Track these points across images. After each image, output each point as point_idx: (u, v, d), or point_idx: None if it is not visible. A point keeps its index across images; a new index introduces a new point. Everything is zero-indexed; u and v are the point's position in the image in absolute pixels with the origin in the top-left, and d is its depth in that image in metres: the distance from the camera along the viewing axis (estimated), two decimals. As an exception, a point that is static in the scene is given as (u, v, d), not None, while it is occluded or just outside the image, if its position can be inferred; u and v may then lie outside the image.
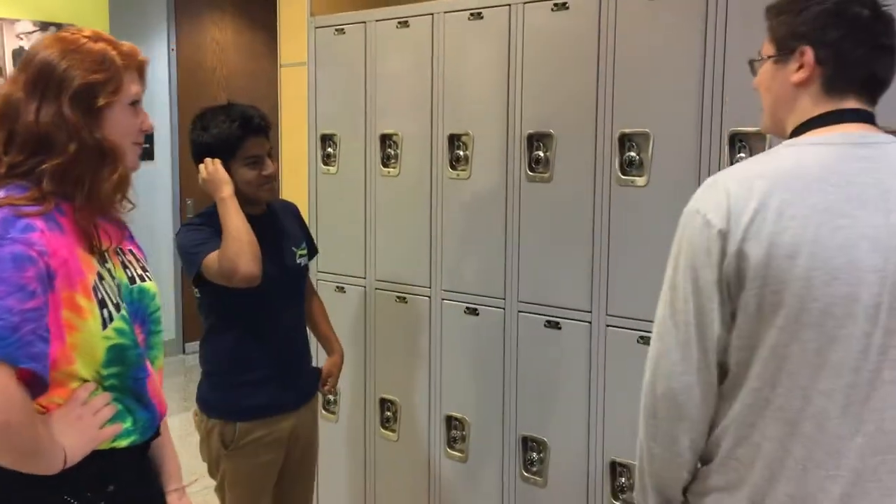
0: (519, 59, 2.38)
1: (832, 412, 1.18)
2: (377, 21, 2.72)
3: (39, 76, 1.34)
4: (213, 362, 2.29)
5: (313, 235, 2.59)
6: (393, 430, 2.81)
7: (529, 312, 2.42)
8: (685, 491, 1.35)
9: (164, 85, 5.86)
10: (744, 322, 1.22)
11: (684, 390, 1.25)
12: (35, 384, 1.26)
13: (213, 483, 2.41)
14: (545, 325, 2.38)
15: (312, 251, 2.48)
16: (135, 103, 1.44)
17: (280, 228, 2.33)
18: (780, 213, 1.18)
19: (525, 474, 2.47)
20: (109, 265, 1.41)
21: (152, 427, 1.48)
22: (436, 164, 2.60)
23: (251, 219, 2.12)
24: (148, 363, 1.47)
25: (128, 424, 1.42)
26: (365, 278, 2.83)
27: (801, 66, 1.27)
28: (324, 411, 3.00)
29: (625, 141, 2.19)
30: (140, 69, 1.46)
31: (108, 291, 1.37)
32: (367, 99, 2.77)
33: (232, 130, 2.15)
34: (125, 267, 1.45)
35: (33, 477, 1.30)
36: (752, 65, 1.38)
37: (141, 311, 1.46)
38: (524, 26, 2.36)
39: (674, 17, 2.10)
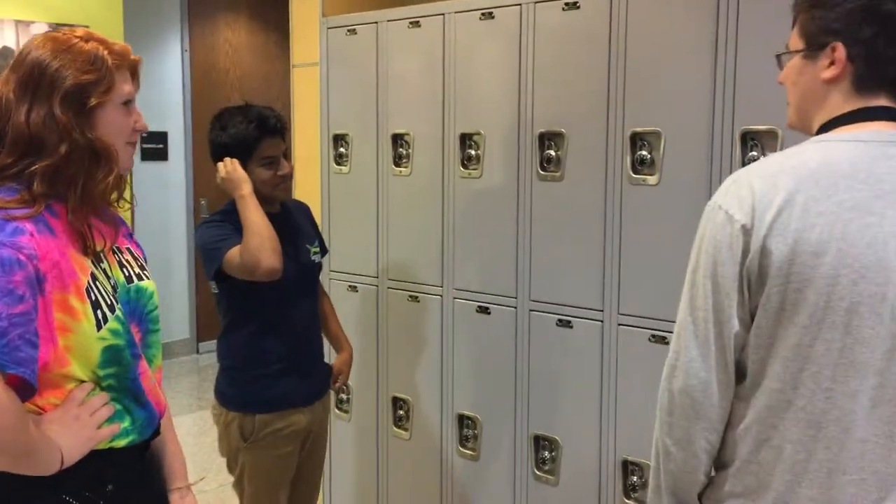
0: (530, 59, 2.38)
1: (857, 414, 1.16)
2: (389, 21, 2.73)
3: (30, 76, 1.33)
4: (231, 357, 2.34)
5: (326, 235, 2.63)
6: (405, 429, 2.82)
7: (541, 311, 2.42)
8: (700, 497, 1.32)
9: (177, 86, 5.90)
10: (764, 320, 1.20)
11: (702, 388, 1.23)
12: (23, 388, 1.25)
13: (228, 480, 2.43)
14: (557, 324, 2.38)
15: (323, 251, 2.52)
16: (127, 103, 1.42)
17: (295, 226, 2.39)
18: (806, 209, 1.16)
19: (537, 473, 2.47)
20: (105, 265, 1.40)
21: (151, 426, 1.47)
22: (447, 163, 2.61)
23: (268, 217, 2.17)
24: (145, 362, 1.46)
25: (126, 424, 1.41)
26: (377, 277, 2.85)
27: (832, 63, 1.23)
28: (336, 410, 3.02)
29: (636, 140, 2.19)
30: (132, 68, 1.45)
31: (103, 292, 1.35)
32: (378, 99, 2.78)
33: (249, 131, 2.20)
34: (122, 266, 1.44)
35: (32, 477, 1.30)
36: (779, 59, 1.34)
37: (138, 311, 1.45)
38: (535, 26, 2.36)
39: (685, 16, 2.10)
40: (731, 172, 1.49)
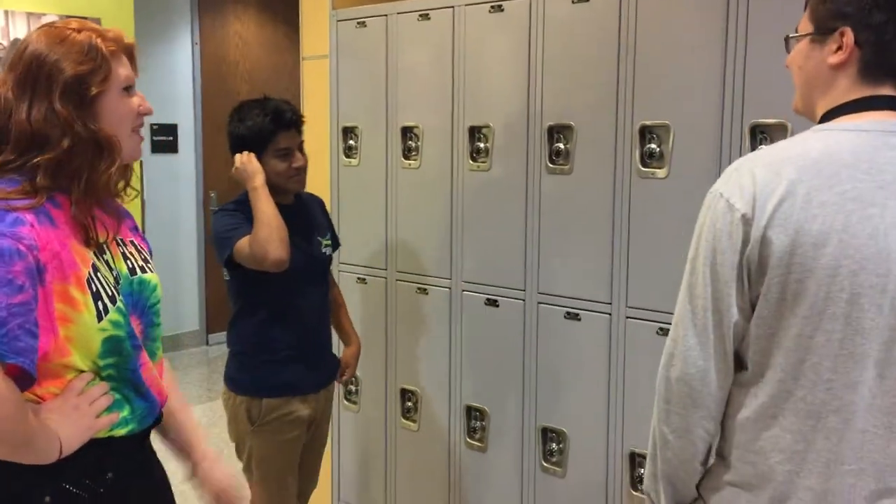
0: (539, 52, 2.38)
1: (857, 405, 1.16)
2: (398, 14, 2.73)
3: (28, 73, 1.34)
4: (240, 343, 2.40)
5: (335, 227, 2.65)
6: (413, 420, 2.83)
7: (549, 304, 2.43)
8: (698, 486, 1.32)
9: (187, 79, 5.92)
10: (765, 310, 1.19)
11: (700, 377, 1.23)
12: (23, 378, 1.25)
13: (238, 470, 2.46)
14: (565, 317, 2.39)
15: (335, 244, 2.56)
16: (128, 88, 1.42)
17: (307, 219, 2.43)
18: (808, 199, 1.15)
19: (544, 464, 2.48)
20: (108, 256, 1.40)
21: (151, 416, 1.48)
22: (456, 156, 2.61)
23: (281, 208, 2.24)
24: (146, 354, 1.47)
25: (125, 413, 1.42)
26: (386, 269, 2.85)
27: (839, 48, 1.22)
28: (345, 401, 3.03)
29: (645, 133, 2.19)
30: (128, 53, 1.44)
31: (104, 283, 1.36)
32: (388, 91, 2.79)
33: (265, 124, 2.26)
34: (125, 258, 1.44)
35: (32, 466, 1.30)
36: (788, 42, 1.33)
37: (140, 303, 1.46)
38: (545, 18, 2.36)
39: (695, 9, 2.09)
40: (739, 165, 1.49)
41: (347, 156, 2.95)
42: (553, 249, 2.41)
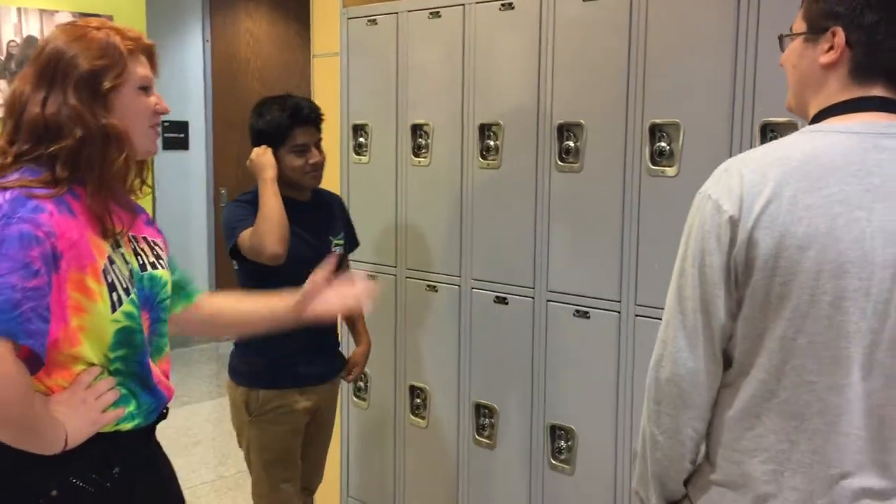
0: (550, 50, 2.38)
1: (842, 408, 1.16)
2: (409, 12, 2.74)
3: (46, 67, 1.38)
4: None
5: (347, 225, 2.66)
6: (422, 417, 2.84)
7: (559, 302, 2.43)
8: (686, 483, 1.33)
9: (198, 76, 5.94)
10: (750, 312, 1.19)
11: (689, 377, 1.24)
12: (32, 361, 1.28)
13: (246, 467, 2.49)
14: (574, 315, 2.39)
15: (352, 244, 2.58)
16: (146, 88, 1.45)
17: (321, 216, 2.46)
18: (794, 202, 1.14)
19: (553, 462, 2.49)
20: (122, 250, 1.43)
21: (156, 411, 1.50)
22: (466, 153, 2.61)
23: (296, 203, 2.30)
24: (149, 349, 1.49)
25: (131, 408, 1.43)
26: (395, 267, 2.86)
27: (831, 48, 1.21)
28: (354, 398, 3.04)
29: (655, 131, 2.19)
30: (148, 53, 1.47)
31: (119, 276, 1.38)
32: (398, 89, 2.79)
33: (282, 119, 2.32)
34: (136, 254, 1.47)
35: (39, 457, 1.32)
36: (782, 40, 1.33)
37: (151, 298, 1.48)
38: (555, 16, 2.36)
39: (706, 7, 2.09)
40: (749, 164, 1.49)
41: (358, 153, 2.96)
42: (562, 247, 2.41)
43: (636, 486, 1.39)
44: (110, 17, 4.56)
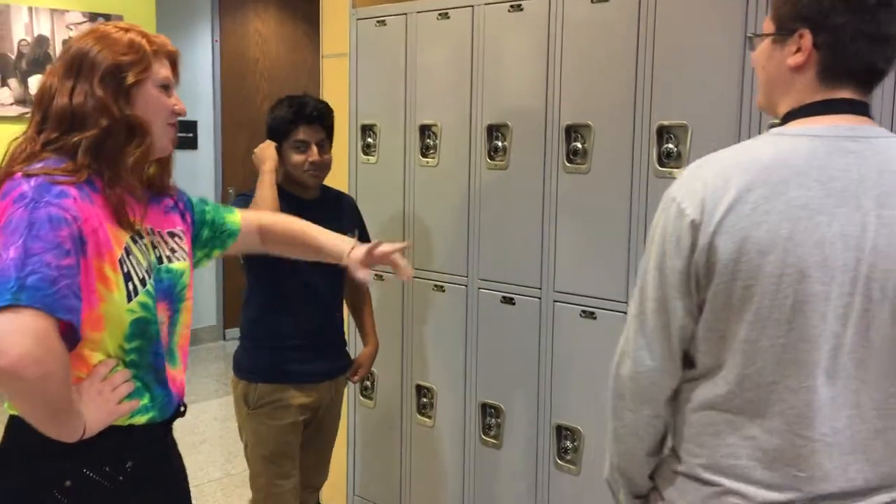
0: (558, 51, 2.39)
1: (801, 411, 1.17)
2: (418, 13, 2.75)
3: (74, 61, 1.43)
4: (245, 327, 2.49)
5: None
6: (429, 417, 2.85)
7: (565, 302, 2.44)
8: (654, 475, 1.36)
9: (207, 76, 5.96)
10: (712, 314, 1.20)
11: (648, 375, 1.26)
12: (69, 337, 1.30)
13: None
14: (581, 315, 2.40)
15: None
16: (166, 88, 1.50)
17: (327, 215, 2.45)
18: (755, 207, 1.15)
19: (559, 462, 2.49)
20: (144, 241, 1.46)
21: (171, 405, 1.51)
22: (474, 154, 2.62)
23: (301, 201, 2.34)
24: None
25: (145, 401, 1.45)
26: (403, 267, 2.87)
27: (798, 50, 1.21)
28: (361, 397, 3.06)
29: (663, 133, 2.20)
30: (171, 58, 1.52)
31: (136, 266, 1.41)
32: (407, 90, 2.81)
33: (286, 115, 2.38)
34: (154, 247, 1.49)
35: (53, 449, 1.34)
36: (751, 40, 1.33)
37: (169, 290, 1.50)
38: (564, 18, 2.37)
39: (713, 9, 2.10)
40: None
41: (366, 153, 2.97)
42: (569, 248, 2.42)
43: (607, 478, 1.43)
44: (120, 17, 4.59)
